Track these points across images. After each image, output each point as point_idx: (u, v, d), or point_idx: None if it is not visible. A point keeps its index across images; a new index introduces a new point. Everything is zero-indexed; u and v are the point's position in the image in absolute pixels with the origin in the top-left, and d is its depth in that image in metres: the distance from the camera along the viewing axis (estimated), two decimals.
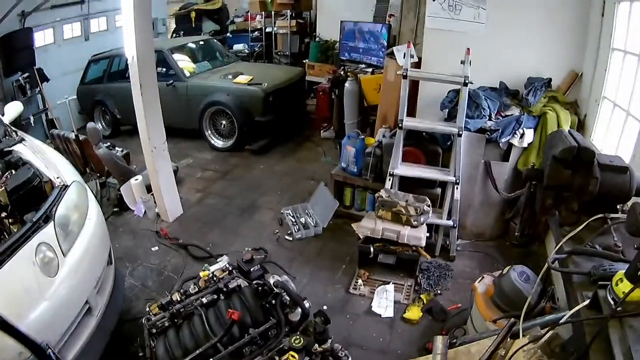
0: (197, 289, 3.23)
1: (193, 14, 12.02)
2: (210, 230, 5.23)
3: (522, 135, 4.16)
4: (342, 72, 6.85)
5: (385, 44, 6.64)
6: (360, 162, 4.83)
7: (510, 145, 4.28)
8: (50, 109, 8.12)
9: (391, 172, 4.27)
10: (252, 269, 3.39)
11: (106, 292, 3.36)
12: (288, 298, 3.01)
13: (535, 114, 4.17)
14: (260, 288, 3.12)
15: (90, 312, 3.09)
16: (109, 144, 6.88)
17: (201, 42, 9.07)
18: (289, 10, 9.82)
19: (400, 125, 4.08)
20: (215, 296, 3.14)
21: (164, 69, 7.43)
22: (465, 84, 3.80)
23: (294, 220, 5.07)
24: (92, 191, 5.92)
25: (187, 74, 7.53)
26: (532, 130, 4.18)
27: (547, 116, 4.08)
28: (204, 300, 3.08)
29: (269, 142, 7.29)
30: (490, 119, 4.18)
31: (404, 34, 6.58)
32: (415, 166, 4.39)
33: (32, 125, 7.63)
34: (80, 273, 2.97)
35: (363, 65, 6.99)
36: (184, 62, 7.82)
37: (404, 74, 3.97)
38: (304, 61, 9.08)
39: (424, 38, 4.76)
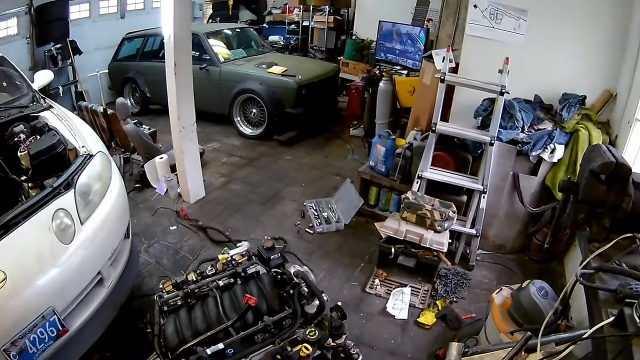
0: (214, 271, 3.18)
1: (231, 1, 12.11)
2: (231, 215, 5.28)
3: (552, 151, 4.14)
4: (377, 72, 6.85)
5: (422, 47, 6.63)
6: (389, 162, 4.85)
7: (540, 160, 4.25)
8: (80, 81, 8.25)
9: (420, 175, 4.29)
10: (272, 257, 3.35)
11: (120, 265, 3.38)
12: (306, 290, 2.98)
13: (568, 130, 4.13)
14: (279, 276, 3.12)
15: (102, 283, 3.12)
16: (136, 120, 7.00)
17: (237, 30, 9.16)
18: (327, 6, 9.87)
19: (433, 128, 4.10)
20: (232, 280, 3.07)
21: (199, 53, 7.47)
22: (502, 94, 3.80)
23: (316, 213, 5.12)
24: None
25: (222, 60, 7.62)
26: (563, 146, 4.15)
27: (580, 133, 4.05)
28: (220, 283, 3.02)
29: (298, 134, 7.38)
30: (522, 131, 4.16)
31: (442, 39, 6.61)
32: (444, 171, 4.40)
33: (61, 95, 7.72)
34: (95, 243, 3.00)
35: (398, 67, 6.97)
36: (219, 48, 7.90)
37: (442, 77, 3.98)
38: (339, 58, 9.10)
39: (463, 44, 4.76)
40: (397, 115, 6.45)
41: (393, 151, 4.81)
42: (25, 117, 3.94)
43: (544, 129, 4.20)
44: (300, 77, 7.05)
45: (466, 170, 4.51)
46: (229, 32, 8.85)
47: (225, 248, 3.50)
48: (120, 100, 6.00)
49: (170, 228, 5.03)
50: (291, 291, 2.97)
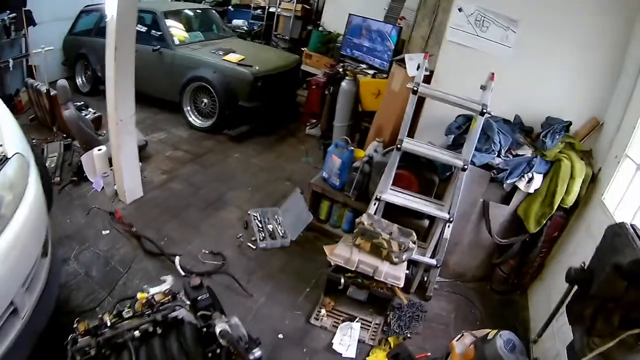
0: (131, 314, 2.53)
1: None
2: (168, 220, 4.45)
3: (530, 180, 3.47)
4: (340, 69, 6.06)
5: (392, 47, 5.86)
6: (345, 175, 4.08)
7: (514, 188, 3.59)
8: (31, 55, 7.07)
9: (378, 197, 3.54)
10: (199, 297, 2.68)
11: (37, 290, 2.68)
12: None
13: (549, 158, 3.48)
14: (204, 329, 2.44)
15: (16, 314, 2.44)
16: (82, 103, 6.13)
17: (199, 11, 8.09)
18: None
19: (398, 146, 3.34)
20: (151, 329, 2.43)
21: (153, 33, 6.61)
22: (482, 114, 3.07)
23: (260, 226, 4.35)
24: (55, 154, 5.24)
25: (177, 42, 6.65)
26: (541, 176, 3.49)
27: (562, 164, 3.39)
28: (137, 333, 2.39)
29: (250, 130, 6.49)
30: (499, 155, 3.48)
31: (415, 40, 5.80)
32: (406, 194, 3.66)
33: (11, 69, 6.56)
34: (6, 268, 2.28)
35: (364, 66, 6.18)
36: (176, 29, 6.92)
37: (414, 88, 3.21)
38: (302, 49, 8.14)
39: (440, 50, 4.00)
40: (358, 118, 5.68)
41: (350, 164, 4.05)
42: None
43: (523, 154, 3.53)
44: (257, 68, 6.16)
45: (431, 193, 3.80)
46: (190, 12, 7.78)
47: (145, 286, 2.75)
48: (61, 82, 5.06)
49: (103, 232, 4.21)
50: (218, 350, 2.36)
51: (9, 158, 2.64)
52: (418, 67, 3.40)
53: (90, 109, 6.09)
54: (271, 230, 4.32)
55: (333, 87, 5.88)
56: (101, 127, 5.80)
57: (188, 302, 2.68)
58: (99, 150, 4.74)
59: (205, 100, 6.33)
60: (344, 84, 5.53)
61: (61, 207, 4.58)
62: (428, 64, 3.79)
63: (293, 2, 8.93)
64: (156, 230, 4.27)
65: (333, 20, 8.11)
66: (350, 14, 6.65)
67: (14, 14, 6.74)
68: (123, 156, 4.40)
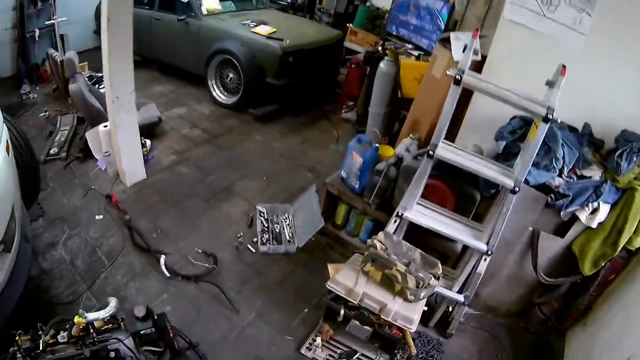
0: (66, 339, 2.05)
1: None
2: (166, 210, 3.82)
3: (594, 211, 2.51)
4: (379, 48, 5.09)
5: (443, 27, 4.79)
6: (366, 178, 3.21)
7: (573, 218, 2.63)
8: (56, 25, 6.52)
9: (400, 213, 2.66)
10: (142, 331, 2.08)
11: None
12: None
13: (621, 185, 2.49)
14: None
15: None
16: (101, 75, 5.48)
17: None
18: None
19: (431, 152, 2.43)
20: None
21: (180, 2, 5.88)
22: (547, 120, 2.10)
23: (266, 225, 3.60)
24: (67, 127, 4.80)
25: (204, 12, 5.87)
26: (609, 206, 2.52)
27: (636, 195, 2.42)
28: None
29: (277, 109, 5.65)
30: (560, 175, 2.53)
31: (468, 20, 4.69)
32: (436, 211, 2.75)
33: (37, 39, 6.17)
34: None
35: (410, 46, 5.03)
36: None
37: (457, 76, 2.24)
38: (348, 25, 7.14)
39: (496, 32, 2.94)
40: (397, 106, 4.72)
41: (373, 165, 3.15)
42: None
43: (590, 177, 2.55)
44: (288, 41, 5.28)
45: (469, 212, 2.87)
46: None
47: (82, 310, 2.16)
48: (69, 54, 4.58)
49: (96, 217, 3.72)
50: None
51: None
52: (465, 49, 2.47)
53: None
54: (277, 231, 3.57)
55: (371, 67, 4.92)
56: None
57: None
58: (105, 127, 4.10)
59: (231, 75, 5.56)
60: (382, 65, 4.56)
61: (62, 185, 4.14)
62: (478, 45, 2.86)
63: None
64: (151, 219, 3.68)
65: None
66: None
67: None
68: (121, 136, 3.79)
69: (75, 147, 4.57)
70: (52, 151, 4.52)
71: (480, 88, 2.32)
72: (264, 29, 5.49)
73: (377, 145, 3.29)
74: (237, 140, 5.03)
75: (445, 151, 2.46)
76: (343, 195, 3.42)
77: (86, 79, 4.90)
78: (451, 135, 2.98)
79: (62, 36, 6.40)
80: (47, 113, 5.18)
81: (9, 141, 2.83)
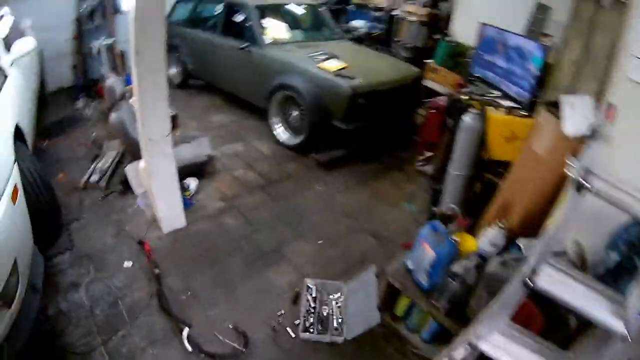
0: None
1: None
2: (202, 268, 3.73)
3: None
4: (464, 96, 4.79)
5: (536, 72, 4.45)
6: (437, 276, 2.89)
7: None
8: (116, 42, 7.09)
9: (472, 343, 2.24)
10: None
11: None
12: None
13: None
14: None
15: None
16: None
17: (303, 8, 7.31)
18: None
19: (528, 283, 2.00)
20: None
21: (243, 29, 6.27)
22: None
23: (312, 306, 3.40)
24: (113, 153, 5.13)
25: (268, 41, 5.97)
26: None
27: None
28: None
29: (345, 155, 5.50)
30: None
31: (563, 66, 4.31)
32: (520, 339, 2.29)
33: (95, 55, 6.78)
34: None
35: (497, 93, 4.72)
36: (271, 26, 6.32)
37: (583, 181, 1.85)
38: (426, 60, 6.92)
39: (610, 94, 2.57)
40: (481, 168, 4.38)
41: (448, 263, 2.84)
42: None
43: None
44: (359, 81, 5.11)
45: (557, 340, 2.47)
46: (291, 9, 7.11)
47: None
48: (108, 82, 4.82)
49: (125, 264, 3.75)
50: None
51: None
52: (583, 123, 2.15)
53: None
54: (324, 314, 3.36)
55: (453, 118, 4.65)
56: (176, 127, 5.26)
57: None
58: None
59: (295, 113, 5.53)
60: (467, 118, 4.21)
61: (97, 218, 4.25)
62: (602, 121, 2.56)
63: (419, 5, 7.75)
64: (184, 277, 3.61)
65: (464, 30, 6.82)
66: (483, 23, 5.24)
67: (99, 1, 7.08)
68: (157, 182, 3.81)
69: (117, 178, 4.70)
70: (92, 178, 4.68)
71: (622, 205, 1.88)
72: (332, 64, 5.40)
73: (455, 239, 2.96)
74: (295, 190, 4.92)
75: (549, 280, 2.03)
76: (407, 291, 3.12)
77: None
78: (539, 216, 2.71)
79: (122, 54, 6.81)
80: (94, 135, 5.41)
81: (18, 185, 2.95)
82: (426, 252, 2.92)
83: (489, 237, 2.95)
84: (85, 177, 4.73)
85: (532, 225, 2.82)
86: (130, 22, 3.21)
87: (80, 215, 4.29)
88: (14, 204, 2.80)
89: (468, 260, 2.76)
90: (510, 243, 2.97)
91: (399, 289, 3.18)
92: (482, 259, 2.76)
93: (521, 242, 2.83)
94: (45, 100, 6.63)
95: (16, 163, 3.12)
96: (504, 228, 2.98)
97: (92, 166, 4.88)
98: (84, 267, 3.68)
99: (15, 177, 2.99)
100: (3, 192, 2.68)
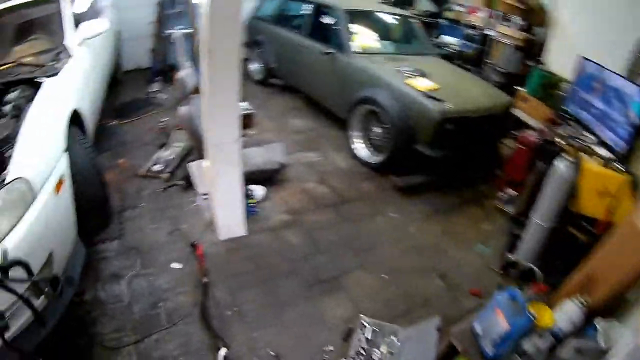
0: None
1: None
2: (253, 285, 3.61)
3: None
4: (557, 138, 4.39)
5: (637, 120, 3.94)
6: (505, 348, 2.55)
7: None
8: (195, 33, 7.12)
9: None
10: None
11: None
12: None
13: None
14: None
15: None
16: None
17: (395, 17, 7.05)
18: (519, 18, 7.26)
19: None
20: None
21: (330, 33, 6.18)
22: None
23: (363, 348, 3.15)
24: (180, 144, 5.23)
25: (355, 49, 5.81)
26: None
27: None
28: None
29: (425, 182, 5.21)
30: None
31: None
32: None
33: (171, 42, 6.80)
34: None
35: (592, 138, 4.31)
36: (360, 33, 6.17)
37: None
38: (518, 88, 6.38)
39: None
40: (567, 221, 3.92)
41: (520, 336, 2.52)
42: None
43: None
44: (450, 105, 4.82)
45: None
46: (383, 17, 6.91)
47: None
48: (179, 74, 4.88)
49: (172, 265, 3.72)
50: None
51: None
52: None
53: (242, 103, 5.58)
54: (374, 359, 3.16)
55: (543, 161, 4.26)
56: (251, 126, 5.20)
57: None
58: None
59: (378, 130, 5.30)
60: (560, 165, 3.78)
61: (153, 210, 4.29)
62: None
63: (514, 28, 7.30)
64: (232, 290, 3.51)
65: (558, 60, 6.28)
66: (583, 57, 4.82)
67: None
68: (219, 187, 3.75)
69: (181, 171, 4.70)
70: (155, 167, 4.70)
71: None
72: (422, 83, 5.12)
73: (532, 314, 2.68)
74: (367, 213, 4.68)
75: None
76: (468, 355, 2.82)
77: None
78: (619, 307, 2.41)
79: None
80: (164, 122, 5.44)
81: (65, 176, 2.99)
82: (499, 322, 2.62)
83: (568, 313, 2.61)
84: (148, 164, 4.77)
85: (615, 304, 2.58)
86: (203, 17, 3.15)
87: (136, 204, 4.32)
88: (57, 194, 2.82)
89: (541, 339, 2.47)
90: (587, 319, 2.65)
91: (458, 350, 2.92)
92: (556, 337, 2.47)
93: (600, 323, 2.49)
94: (118, 80, 6.80)
95: (67, 152, 3.16)
96: (584, 304, 2.65)
97: (157, 154, 4.90)
98: (130, 259, 3.70)
99: (62, 168, 3.01)
100: (44, 184, 2.71)
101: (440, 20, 8.97)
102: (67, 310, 2.74)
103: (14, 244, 2.32)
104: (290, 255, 3.96)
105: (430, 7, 9.54)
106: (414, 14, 7.87)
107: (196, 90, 4.79)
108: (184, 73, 4.91)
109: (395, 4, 8.75)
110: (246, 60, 7.56)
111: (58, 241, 2.81)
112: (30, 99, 3.29)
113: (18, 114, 3.18)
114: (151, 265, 3.66)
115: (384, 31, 6.70)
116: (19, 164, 2.67)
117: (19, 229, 2.43)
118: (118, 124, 5.84)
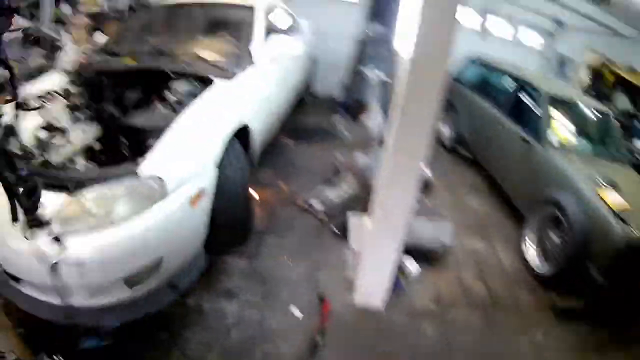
0: None
1: (610, 77, 8.78)
2: None
3: None
4: None
5: None
6: None
7: None
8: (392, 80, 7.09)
9: None
10: None
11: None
12: None
13: None
14: None
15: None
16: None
17: (598, 114, 6.13)
18: None
19: None
20: None
21: (530, 117, 5.76)
22: None
23: None
24: (347, 190, 5.02)
25: (551, 140, 5.29)
26: None
27: None
28: None
29: (583, 307, 4.39)
30: None
31: None
32: None
33: (364, 78, 6.78)
34: None
35: None
36: (561, 124, 5.62)
37: None
38: None
39: None
40: None
41: None
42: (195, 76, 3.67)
43: None
44: (638, 233, 4.04)
45: None
46: (586, 111, 6.12)
47: None
48: (368, 118, 4.96)
49: (292, 309, 3.56)
50: None
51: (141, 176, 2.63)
52: None
53: (425, 168, 5.28)
54: None
55: None
56: (427, 196, 4.99)
57: None
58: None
59: (554, 239, 4.65)
60: None
61: (299, 245, 4.23)
62: None
63: None
64: None
65: None
66: None
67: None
68: (373, 251, 3.51)
69: (340, 218, 4.49)
70: (315, 204, 4.63)
71: None
72: (613, 198, 4.38)
73: None
74: (514, 328, 4.00)
75: None
76: None
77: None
78: None
79: None
80: (339, 159, 5.32)
81: (207, 190, 2.99)
82: None
83: None
84: (309, 200, 4.69)
85: None
86: (401, 75, 2.96)
87: (282, 232, 4.24)
88: (193, 206, 2.86)
89: None
90: None
91: None
92: None
93: None
94: (306, 103, 6.89)
95: (218, 169, 3.15)
96: None
97: (321, 189, 4.80)
98: (251, 283, 3.65)
99: (206, 182, 3.01)
100: (176, 190, 2.72)
101: (636, 123, 7.84)
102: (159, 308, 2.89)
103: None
104: (416, 348, 3.54)
105: (628, 107, 8.43)
106: (613, 112, 6.84)
107: (380, 141, 4.60)
108: (372, 119, 4.76)
109: (597, 97, 7.84)
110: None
111: (173, 250, 2.85)
112: (194, 96, 3.31)
113: (178, 108, 3.21)
114: (270, 298, 3.57)
115: (582, 126, 6.00)
116: (157, 162, 2.71)
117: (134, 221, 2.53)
118: (293, 144, 5.87)
